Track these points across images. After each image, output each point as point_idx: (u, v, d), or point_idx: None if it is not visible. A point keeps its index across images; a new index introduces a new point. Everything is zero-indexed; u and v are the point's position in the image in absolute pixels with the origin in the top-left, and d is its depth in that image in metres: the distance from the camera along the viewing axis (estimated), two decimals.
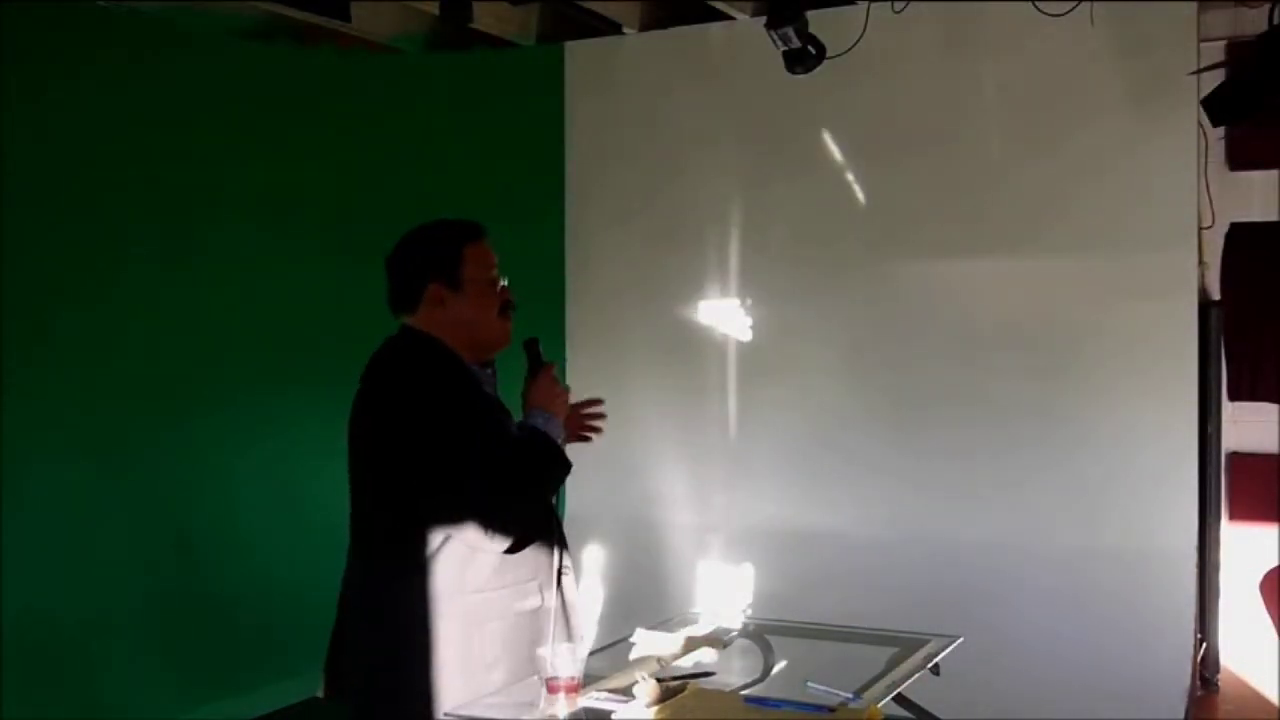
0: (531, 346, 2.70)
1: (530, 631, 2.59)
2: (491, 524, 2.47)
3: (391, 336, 2.66)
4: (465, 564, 2.52)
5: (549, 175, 5.91)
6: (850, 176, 5.34)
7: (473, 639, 2.53)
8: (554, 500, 2.75)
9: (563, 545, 2.72)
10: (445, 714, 2.48)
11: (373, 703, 2.58)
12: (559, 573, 2.67)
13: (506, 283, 2.69)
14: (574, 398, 2.82)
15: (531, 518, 2.60)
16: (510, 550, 2.53)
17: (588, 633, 2.81)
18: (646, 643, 2.95)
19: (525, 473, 2.54)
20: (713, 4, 5.37)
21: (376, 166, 5.56)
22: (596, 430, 2.93)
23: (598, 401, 2.93)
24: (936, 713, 2.92)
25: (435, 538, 2.50)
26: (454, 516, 2.47)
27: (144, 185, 4.86)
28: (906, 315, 5.21)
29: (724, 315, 5.61)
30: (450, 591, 2.52)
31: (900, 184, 5.23)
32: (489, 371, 2.69)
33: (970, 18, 5.02)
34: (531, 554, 2.61)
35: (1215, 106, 4.14)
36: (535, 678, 2.53)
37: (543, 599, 2.62)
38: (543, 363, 2.68)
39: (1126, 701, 4.47)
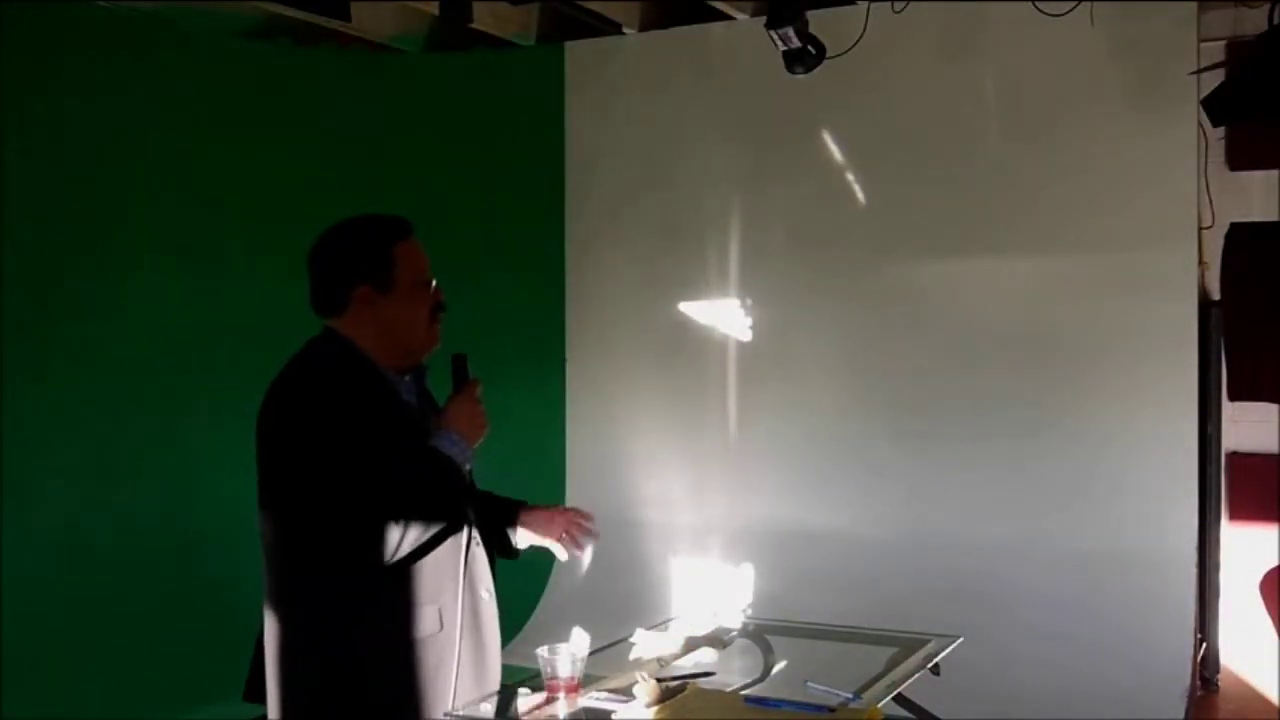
0: (458, 362, 2.53)
1: (428, 657, 2.42)
2: (370, 543, 2.30)
3: (312, 339, 2.51)
4: (351, 584, 2.36)
5: (549, 175, 5.91)
6: (850, 176, 5.35)
7: (363, 663, 2.38)
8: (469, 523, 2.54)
9: (481, 561, 2.56)
10: (445, 714, 2.47)
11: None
12: (471, 591, 2.51)
13: (436, 283, 2.53)
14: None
15: (418, 537, 2.36)
16: (392, 569, 2.35)
17: (497, 657, 2.59)
18: (646, 643, 2.95)
19: (413, 493, 2.36)
20: (713, 4, 5.37)
21: (376, 167, 5.56)
22: (578, 543, 2.77)
23: (588, 517, 2.79)
24: (936, 713, 2.92)
25: (318, 555, 2.36)
26: (334, 534, 2.32)
27: (144, 186, 4.85)
28: (906, 315, 5.21)
29: (724, 315, 5.61)
30: (338, 613, 2.38)
31: (900, 184, 5.23)
32: (406, 380, 2.53)
33: (970, 18, 5.02)
34: (430, 576, 2.42)
35: (1215, 106, 4.14)
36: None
37: (441, 624, 2.43)
38: (467, 381, 2.51)
39: (1126, 702, 4.47)
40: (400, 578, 2.39)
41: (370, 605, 2.39)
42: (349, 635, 2.38)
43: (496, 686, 2.56)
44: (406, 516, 2.33)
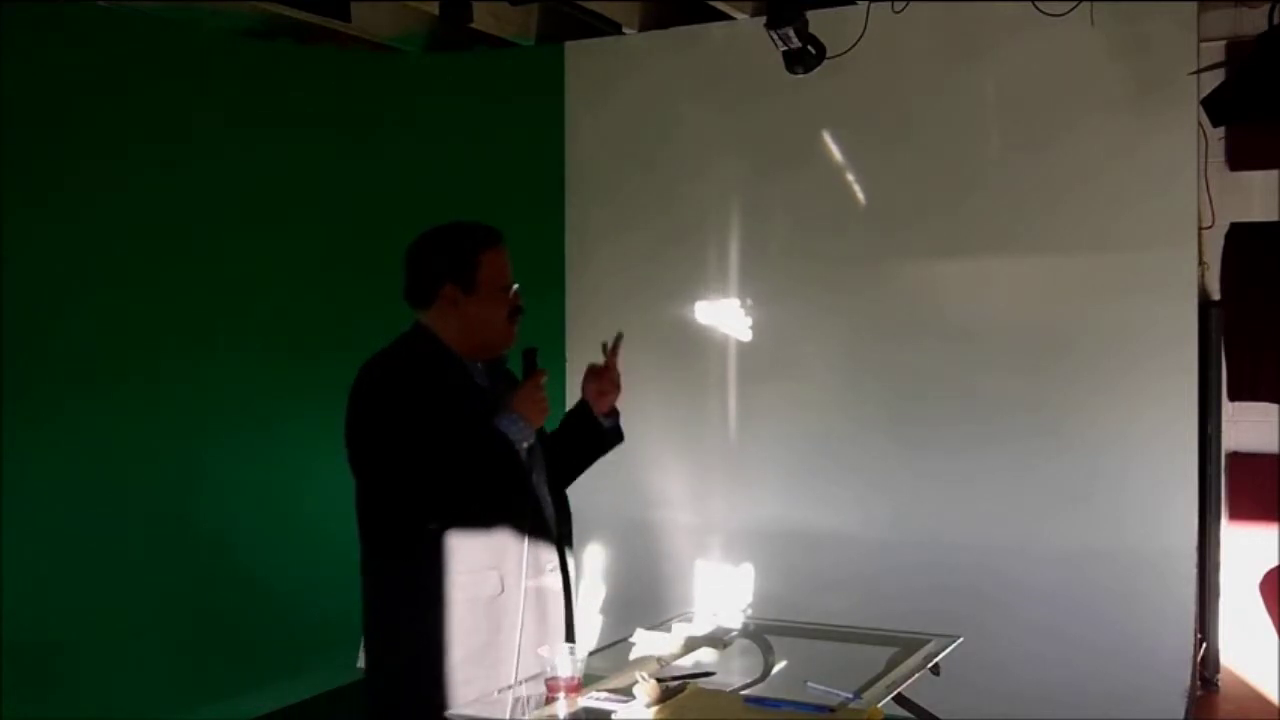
0: (529, 356, 2.82)
1: (488, 619, 2.67)
2: (427, 510, 2.61)
3: (403, 332, 2.78)
4: (416, 548, 2.65)
5: (549, 175, 5.91)
6: (850, 176, 5.34)
7: (424, 621, 2.64)
8: (532, 495, 2.80)
9: (549, 539, 2.79)
10: (446, 714, 2.49)
11: (367, 676, 2.77)
12: (535, 565, 2.73)
13: (517, 288, 2.82)
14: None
15: (471, 507, 2.68)
16: (438, 530, 2.63)
17: (560, 629, 2.82)
18: (646, 643, 2.96)
19: (469, 464, 2.64)
20: (713, 4, 5.36)
21: (376, 167, 5.56)
22: (612, 387, 3.01)
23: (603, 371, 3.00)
24: (936, 713, 2.92)
25: (387, 523, 2.68)
26: (397, 502, 2.63)
27: (143, 185, 4.86)
28: (907, 315, 5.21)
29: (724, 315, 5.60)
30: (405, 575, 2.68)
31: (900, 184, 5.23)
32: (480, 366, 2.81)
33: (970, 17, 5.02)
34: (493, 542, 2.69)
35: (1215, 106, 4.13)
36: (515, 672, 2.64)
37: (503, 587, 2.68)
38: (535, 371, 2.80)
39: (1126, 702, 4.48)
40: (461, 542, 2.65)
41: (435, 567, 2.64)
42: (416, 596, 2.65)
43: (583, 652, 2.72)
44: (460, 482, 2.63)
